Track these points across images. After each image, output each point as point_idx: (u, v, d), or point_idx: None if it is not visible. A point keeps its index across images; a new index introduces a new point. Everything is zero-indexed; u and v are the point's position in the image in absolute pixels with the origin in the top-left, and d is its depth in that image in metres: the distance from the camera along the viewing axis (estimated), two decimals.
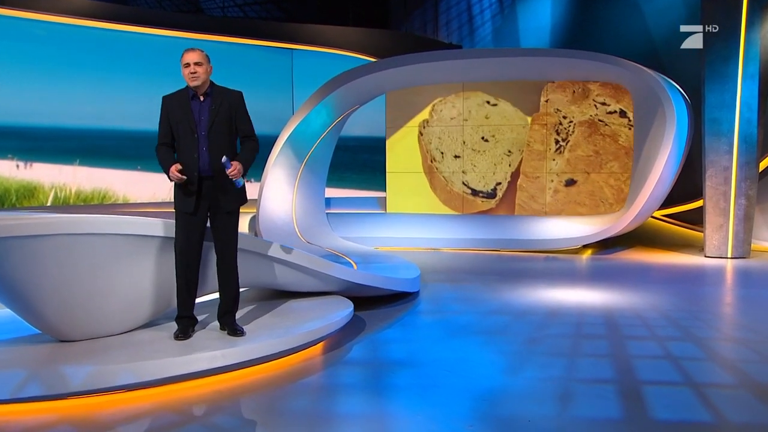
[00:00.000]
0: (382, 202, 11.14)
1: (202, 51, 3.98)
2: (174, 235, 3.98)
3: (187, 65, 3.91)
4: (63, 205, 10.47)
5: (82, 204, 10.70)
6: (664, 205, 9.43)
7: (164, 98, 4.02)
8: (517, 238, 9.66)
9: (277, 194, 9.52)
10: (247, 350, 3.74)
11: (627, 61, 8.67)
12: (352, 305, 4.84)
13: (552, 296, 6.27)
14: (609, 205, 9.94)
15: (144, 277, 3.94)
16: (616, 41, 10.83)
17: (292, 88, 12.60)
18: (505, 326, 5.13)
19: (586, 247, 9.60)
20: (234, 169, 3.84)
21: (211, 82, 4.02)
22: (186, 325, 3.98)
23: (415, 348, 4.53)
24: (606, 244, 9.69)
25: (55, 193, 10.55)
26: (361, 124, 11.36)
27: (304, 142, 9.82)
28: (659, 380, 3.75)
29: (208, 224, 4.06)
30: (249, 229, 9.95)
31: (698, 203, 9.57)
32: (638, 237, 10.03)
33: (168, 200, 10.85)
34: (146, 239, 3.86)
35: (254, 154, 4.08)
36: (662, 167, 8.33)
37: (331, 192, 11.09)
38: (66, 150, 10.57)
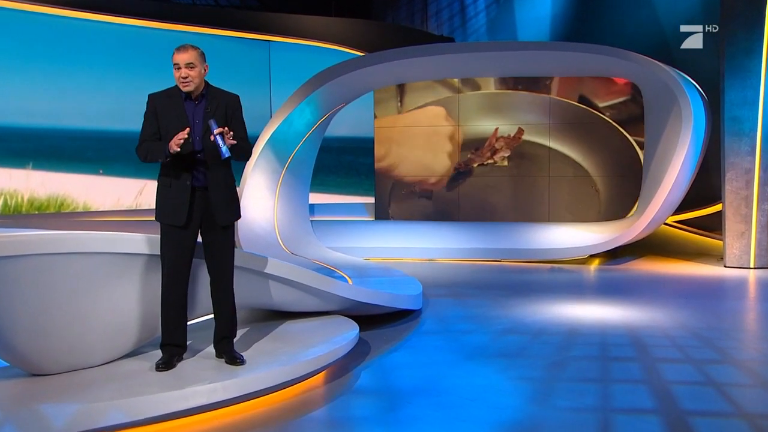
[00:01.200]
0: (370, 209, 11.04)
1: (197, 49, 3.81)
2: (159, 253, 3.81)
3: (177, 68, 3.76)
4: (14, 214, 10.18)
5: (36, 213, 10.42)
6: (676, 210, 9.43)
7: (152, 96, 3.87)
8: (519, 247, 9.60)
9: (257, 201, 9.35)
10: (250, 381, 3.59)
11: (638, 56, 8.64)
12: (358, 327, 4.73)
13: (567, 313, 6.21)
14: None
15: (129, 300, 3.79)
16: (621, 33, 10.81)
17: (270, 84, 12.39)
18: (522, 348, 5.05)
19: (592, 256, 9.58)
20: (223, 129, 3.65)
21: (206, 83, 3.88)
22: (171, 354, 3.81)
23: (429, 373, 4.42)
24: (614, 254, 9.68)
25: (5, 200, 10.22)
26: (344, 124, 11.24)
27: (286, 143, 9.66)
28: (707, 410, 3.68)
29: (199, 239, 3.91)
30: None
31: (714, 208, 9.60)
32: (648, 245, 10.02)
33: (135, 208, 10.71)
34: (133, 258, 3.70)
35: (243, 153, 3.92)
36: (678, 170, 8.31)
37: (314, 198, 10.94)
38: (17, 152, 10.22)
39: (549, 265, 9.26)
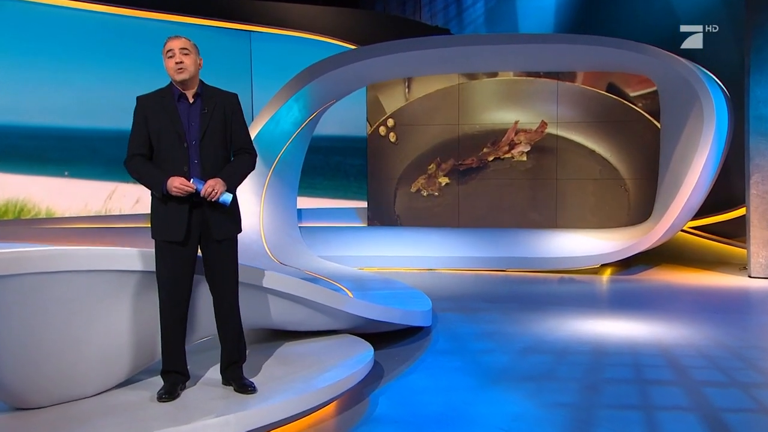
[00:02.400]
0: (362, 214, 10.92)
1: (189, 39, 3.74)
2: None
3: (171, 54, 3.65)
4: None
5: None
6: (693, 215, 9.42)
7: (140, 99, 3.73)
8: (525, 256, 9.57)
9: (241, 207, 9.17)
10: (264, 412, 3.45)
11: (657, 49, 8.63)
12: (372, 348, 4.61)
13: (589, 329, 6.14)
14: None
15: (127, 322, 3.64)
16: (633, 24, 10.83)
17: (251, 78, 12.21)
18: (549, 370, 4.96)
19: (603, 265, 9.55)
20: (210, 188, 3.54)
21: (201, 81, 3.77)
22: (174, 382, 3.67)
23: (452, 399, 4.31)
24: (627, 263, 9.66)
25: None
26: (333, 122, 11.11)
27: (273, 143, 9.54)
28: None
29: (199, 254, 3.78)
30: None
31: (735, 213, 9.62)
32: (662, 253, 10.02)
33: (104, 213, 10.47)
34: (131, 276, 3.55)
35: (246, 168, 3.82)
36: (699, 172, 8.32)
37: (301, 202, 10.81)
38: None
39: (558, 276, 9.23)
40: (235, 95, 3.83)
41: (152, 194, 3.67)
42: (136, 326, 3.69)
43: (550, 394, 4.37)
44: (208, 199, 3.56)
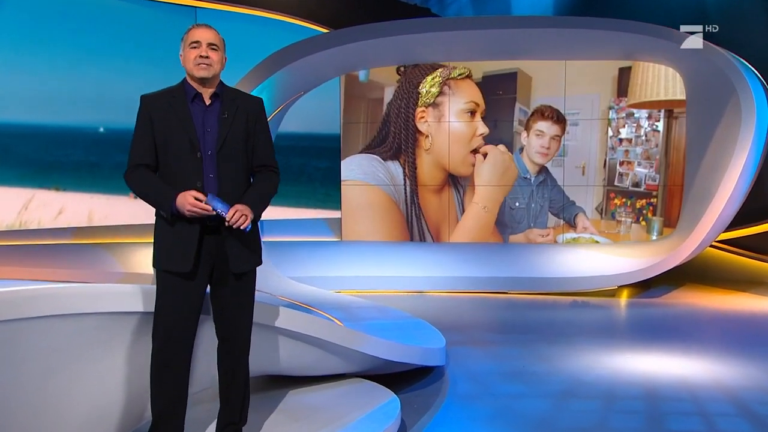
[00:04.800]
0: (335, 226, 10.69)
1: (218, 33, 3.54)
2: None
3: (197, 46, 3.43)
4: None
5: None
6: None
7: (145, 98, 3.49)
8: (530, 275, 9.49)
9: None
10: None
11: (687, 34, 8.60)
12: (396, 397, 4.41)
13: (632, 366, 6.05)
14: None
15: (116, 377, 3.40)
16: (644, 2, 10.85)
17: None
18: (601, 419, 4.82)
19: (620, 286, 9.51)
20: (240, 214, 3.30)
21: (221, 81, 3.55)
22: None
23: None
24: (646, 282, 9.62)
25: None
26: (296, 118, 10.87)
27: None
28: None
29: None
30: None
31: None
32: (685, 271, 9.99)
33: (18, 227, 9.98)
34: (123, 319, 3.28)
35: (273, 192, 3.62)
36: (737, 177, 8.34)
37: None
38: None
39: (570, 299, 9.20)
40: (260, 100, 3.64)
41: (156, 213, 3.43)
42: (126, 381, 3.46)
43: None
44: (232, 227, 3.31)
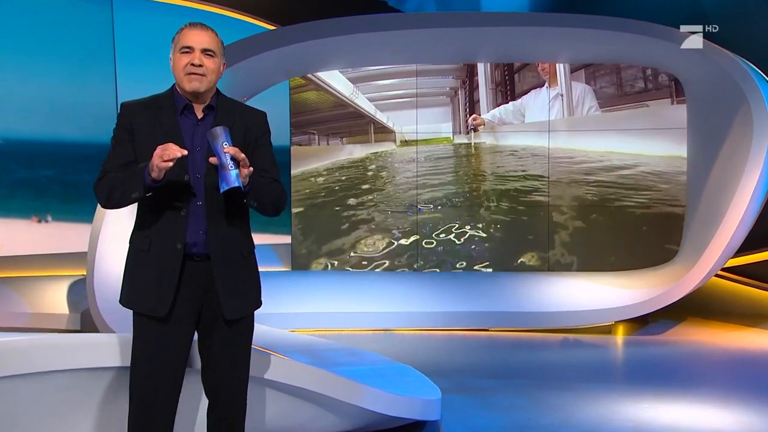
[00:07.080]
0: (283, 253, 10.57)
1: (217, 34, 3.42)
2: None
3: (190, 51, 3.30)
4: None
5: None
6: None
7: (126, 107, 3.40)
8: (514, 310, 9.47)
9: (120, 245, 8.65)
10: None
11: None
12: None
13: (650, 417, 5.99)
14: None
15: None
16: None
17: (114, 62, 11.73)
18: None
19: (616, 322, 9.55)
20: (240, 155, 3.10)
21: (218, 91, 3.47)
22: None
23: None
24: (644, 318, 9.67)
25: None
26: None
27: None
28: None
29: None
30: (70, 308, 9.00)
31: None
32: (685, 303, 10.04)
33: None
34: (102, 375, 3.09)
35: (278, 194, 3.50)
36: (749, 197, 8.43)
37: None
38: None
39: (560, 336, 9.24)
40: (264, 114, 3.56)
41: (130, 239, 3.33)
42: None
43: None
44: (221, 159, 3.09)
